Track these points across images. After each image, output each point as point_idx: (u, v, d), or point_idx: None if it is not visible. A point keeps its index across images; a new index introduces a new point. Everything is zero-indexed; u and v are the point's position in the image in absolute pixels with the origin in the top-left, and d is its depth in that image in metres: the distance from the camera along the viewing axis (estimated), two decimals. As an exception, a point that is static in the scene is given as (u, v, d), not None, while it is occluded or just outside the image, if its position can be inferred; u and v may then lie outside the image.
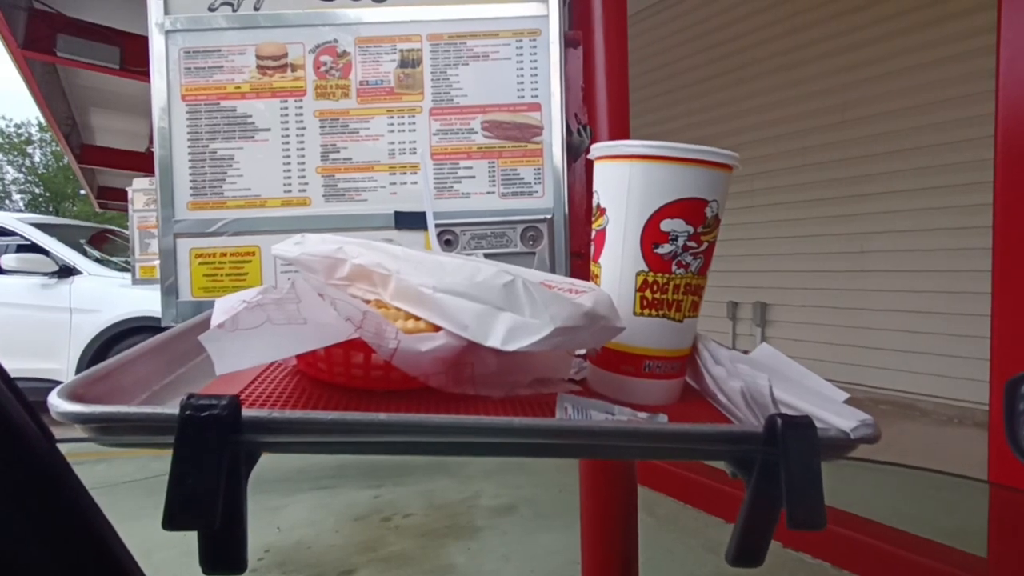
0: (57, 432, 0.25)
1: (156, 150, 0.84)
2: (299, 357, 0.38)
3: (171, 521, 0.22)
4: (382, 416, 0.27)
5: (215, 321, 0.30)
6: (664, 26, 4.69)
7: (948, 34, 3.22)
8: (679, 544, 1.99)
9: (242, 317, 0.29)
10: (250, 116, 0.84)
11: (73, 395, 0.27)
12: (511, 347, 0.32)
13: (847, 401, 0.37)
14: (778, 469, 0.28)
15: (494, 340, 0.33)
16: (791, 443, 0.28)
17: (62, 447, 0.23)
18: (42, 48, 3.35)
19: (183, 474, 0.23)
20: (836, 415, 0.33)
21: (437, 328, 0.37)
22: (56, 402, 0.26)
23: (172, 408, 0.25)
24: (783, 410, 0.35)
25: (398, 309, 0.39)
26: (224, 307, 0.34)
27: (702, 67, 4.44)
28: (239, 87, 0.84)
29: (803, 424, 0.29)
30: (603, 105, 0.94)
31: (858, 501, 1.96)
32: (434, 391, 0.38)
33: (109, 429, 0.26)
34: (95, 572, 0.23)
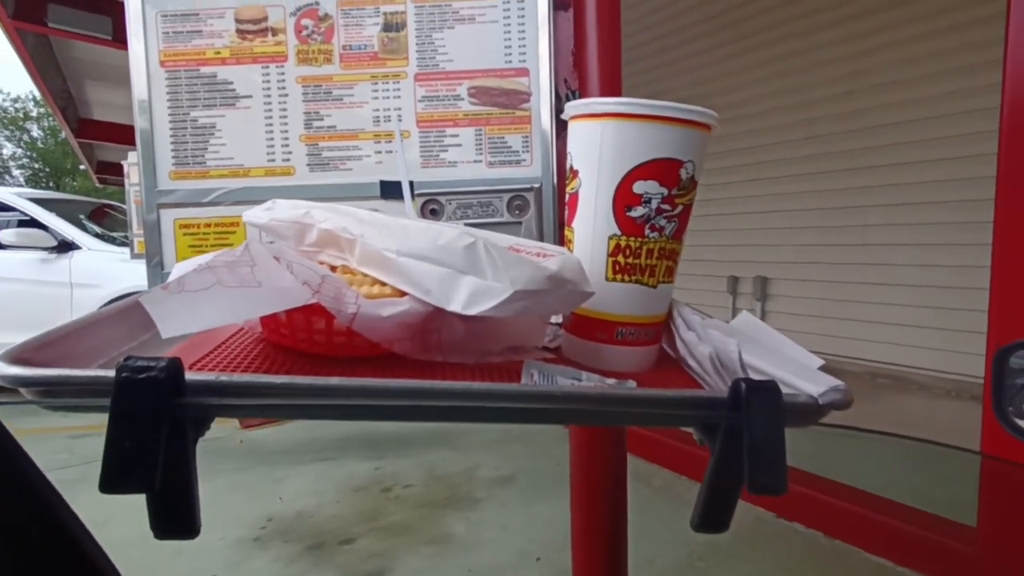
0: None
1: (136, 119, 0.82)
2: (263, 323, 0.38)
3: (107, 484, 0.22)
4: (333, 380, 0.27)
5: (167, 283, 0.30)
6: (666, -7, 4.56)
7: (956, 1, 3.12)
8: (674, 514, 2.02)
9: (189, 279, 0.28)
10: (231, 83, 0.82)
11: (18, 359, 0.27)
12: (473, 311, 0.31)
13: (823, 368, 0.36)
14: (742, 434, 0.28)
15: (456, 304, 0.32)
16: (755, 408, 0.28)
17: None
18: (33, 18, 3.28)
19: (119, 437, 0.22)
20: (806, 381, 0.32)
21: (403, 293, 0.36)
22: None
23: (111, 371, 0.24)
24: (753, 375, 0.34)
25: (364, 275, 0.38)
26: (181, 270, 0.33)
27: (705, 36, 4.33)
28: (219, 52, 0.81)
29: (768, 389, 0.28)
30: (594, 70, 0.91)
31: (851, 471, 1.97)
32: (401, 358, 0.37)
33: (51, 392, 0.25)
34: (37, 535, 0.22)
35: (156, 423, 0.23)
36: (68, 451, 2.69)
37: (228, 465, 2.61)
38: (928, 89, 3.28)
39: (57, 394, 0.25)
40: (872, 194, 3.53)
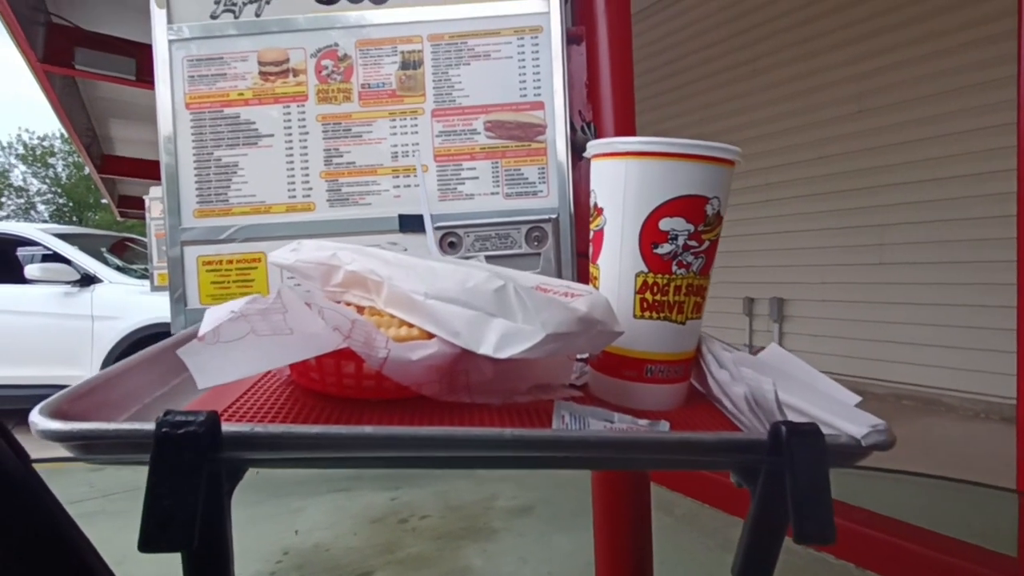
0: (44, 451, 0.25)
1: (162, 159, 0.84)
2: (292, 367, 0.38)
3: (147, 543, 0.22)
4: (368, 429, 0.26)
5: (200, 332, 0.30)
6: (673, 20, 4.64)
7: (967, 20, 3.13)
8: (698, 544, 1.96)
9: (224, 329, 0.28)
10: (253, 122, 0.84)
11: (56, 412, 0.27)
12: (503, 354, 0.31)
13: (859, 405, 0.36)
14: (784, 479, 0.27)
15: (486, 347, 0.32)
16: (797, 452, 0.27)
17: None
18: (61, 62, 3.42)
19: (159, 494, 0.22)
20: (846, 420, 0.31)
21: (431, 335, 0.36)
22: (36, 419, 0.26)
23: (150, 424, 0.24)
24: (790, 415, 0.33)
25: (392, 316, 0.39)
26: (213, 318, 0.33)
27: (713, 61, 4.38)
28: (242, 94, 0.84)
29: (810, 432, 0.28)
30: (608, 101, 0.92)
31: (882, 502, 1.91)
32: (429, 400, 0.37)
33: (89, 447, 0.25)
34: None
35: (195, 479, 0.23)
36: (87, 484, 2.70)
37: (244, 497, 2.57)
38: (937, 107, 3.27)
39: (95, 449, 0.25)
40: (889, 212, 3.50)
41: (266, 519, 2.40)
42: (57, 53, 3.40)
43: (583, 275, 0.81)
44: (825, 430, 0.29)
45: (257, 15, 0.82)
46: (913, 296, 3.43)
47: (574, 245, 0.81)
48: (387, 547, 2.13)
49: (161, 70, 0.83)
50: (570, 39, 0.85)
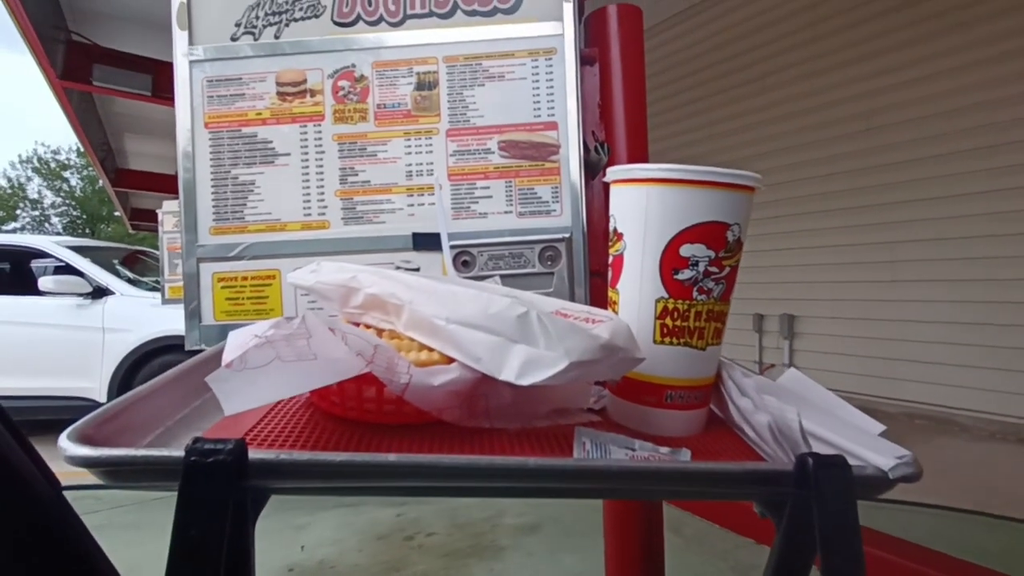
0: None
1: (180, 176, 0.86)
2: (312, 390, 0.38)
3: (175, 571, 0.22)
4: (391, 457, 0.26)
5: (226, 358, 0.30)
6: (682, 38, 4.68)
7: (975, 39, 3.14)
8: (708, 566, 1.93)
9: (251, 355, 0.28)
10: (271, 141, 0.85)
11: (83, 437, 0.27)
12: (526, 381, 0.31)
13: (883, 434, 0.35)
14: (811, 512, 0.27)
15: (508, 374, 0.32)
16: (824, 484, 0.27)
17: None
18: (79, 78, 3.49)
19: (187, 522, 0.22)
20: (872, 451, 0.31)
21: (450, 360, 0.36)
22: (65, 445, 0.26)
23: (178, 451, 0.24)
24: (814, 444, 0.33)
25: (412, 339, 0.39)
26: (236, 342, 0.33)
27: (722, 78, 4.41)
28: (260, 113, 0.85)
29: (837, 464, 0.27)
30: (620, 122, 0.92)
31: (894, 525, 1.88)
32: (448, 425, 0.37)
33: (117, 473, 0.26)
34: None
35: (222, 508, 0.23)
36: (94, 497, 2.70)
37: (250, 511, 2.58)
38: (947, 124, 3.27)
39: (123, 475, 0.26)
40: (901, 229, 3.49)
41: (271, 534, 2.39)
42: (76, 70, 3.47)
43: (596, 294, 0.81)
44: (852, 461, 0.29)
45: (276, 37, 0.84)
46: (926, 314, 3.40)
47: (587, 264, 0.81)
48: (393, 565, 2.10)
49: (181, 90, 0.85)
50: (583, 60, 0.86)
